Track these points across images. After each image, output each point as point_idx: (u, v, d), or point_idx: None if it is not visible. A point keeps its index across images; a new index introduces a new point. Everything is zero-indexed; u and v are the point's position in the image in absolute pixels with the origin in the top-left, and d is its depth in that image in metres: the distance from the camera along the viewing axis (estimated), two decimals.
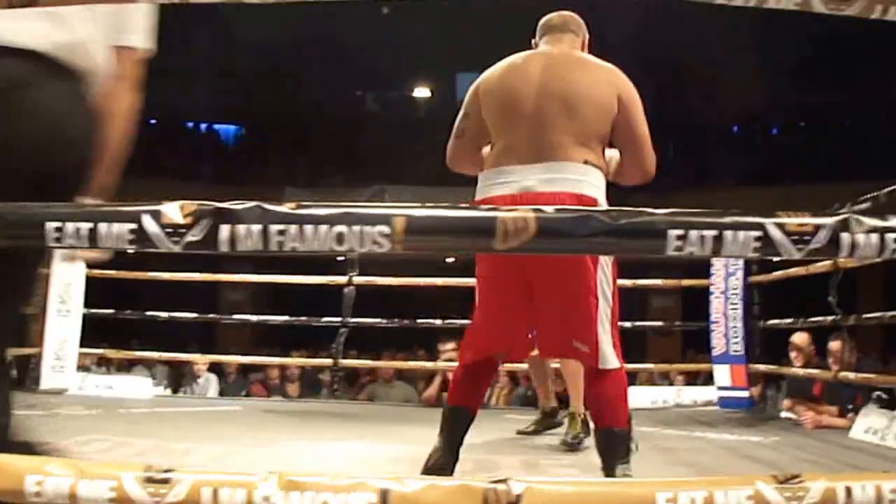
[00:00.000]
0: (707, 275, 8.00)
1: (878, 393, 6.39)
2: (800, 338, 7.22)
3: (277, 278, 9.07)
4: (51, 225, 2.10)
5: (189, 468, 2.06)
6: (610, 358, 3.56)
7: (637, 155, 3.74)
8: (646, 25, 17.92)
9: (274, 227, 2.00)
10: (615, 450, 3.47)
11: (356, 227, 1.97)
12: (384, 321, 8.72)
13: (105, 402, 7.34)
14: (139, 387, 8.32)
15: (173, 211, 2.04)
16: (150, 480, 2.00)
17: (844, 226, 2.05)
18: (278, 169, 19.40)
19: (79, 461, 2.08)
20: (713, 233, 2.00)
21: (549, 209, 2.00)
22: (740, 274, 7.70)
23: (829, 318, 6.33)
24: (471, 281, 8.08)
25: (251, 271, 10.11)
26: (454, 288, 8.44)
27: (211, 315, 9.99)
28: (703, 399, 7.83)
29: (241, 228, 2.01)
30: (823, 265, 6.37)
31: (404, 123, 21.53)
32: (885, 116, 18.73)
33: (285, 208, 2.01)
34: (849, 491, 2.05)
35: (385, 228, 1.97)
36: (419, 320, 8.59)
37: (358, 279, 8.37)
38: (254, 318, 10.47)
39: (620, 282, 3.83)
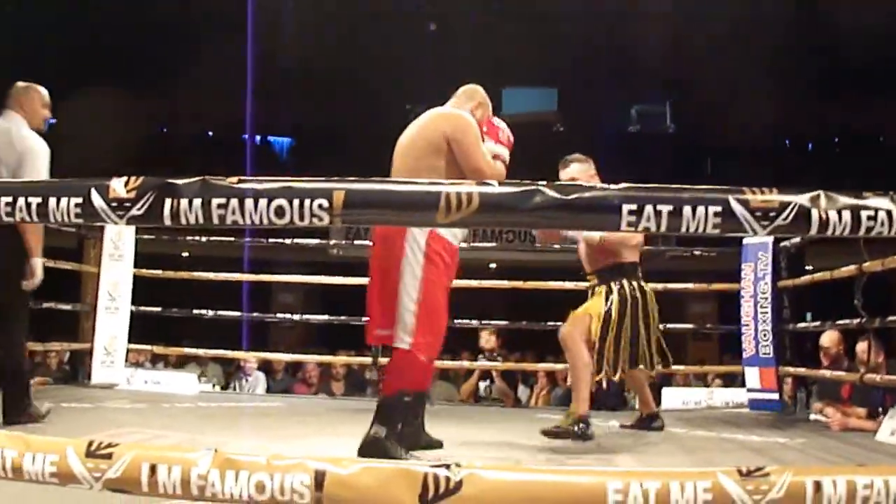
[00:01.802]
0: (738, 279, 7.90)
1: None
2: (828, 339, 7.09)
3: (321, 279, 9.08)
4: (3, 199, 2.09)
5: (137, 445, 2.03)
6: (401, 337, 4.28)
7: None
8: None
9: (215, 201, 1.96)
10: (379, 413, 4.26)
11: (296, 201, 1.93)
12: None
13: (151, 397, 7.39)
14: (186, 383, 8.35)
15: (119, 185, 2.01)
16: (91, 455, 1.97)
17: (814, 202, 1.96)
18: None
19: (26, 435, 2.05)
20: (669, 207, 1.92)
21: (494, 183, 1.93)
22: (769, 278, 7.58)
23: (856, 320, 6.21)
24: (510, 283, 8.14)
25: (299, 273, 10.12)
26: (496, 290, 8.44)
27: (256, 314, 10.02)
28: (734, 401, 7.74)
29: (184, 202, 1.97)
30: (849, 269, 6.25)
31: None
32: None
33: (226, 182, 1.97)
34: (818, 485, 1.96)
35: (324, 202, 1.92)
36: (457, 321, 8.57)
37: None
38: (296, 317, 10.50)
39: (652, 285, 5.51)
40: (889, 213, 1.96)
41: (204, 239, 9.58)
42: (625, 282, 5.50)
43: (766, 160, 19.60)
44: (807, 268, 8.56)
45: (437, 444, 4.75)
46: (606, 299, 5.46)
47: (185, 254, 16.72)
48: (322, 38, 18.97)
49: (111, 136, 19.24)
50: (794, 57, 18.08)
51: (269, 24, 19.57)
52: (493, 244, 14.25)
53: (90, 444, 1.99)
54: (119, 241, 8.28)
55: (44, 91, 5.45)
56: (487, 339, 8.76)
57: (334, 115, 20.09)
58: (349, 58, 19.39)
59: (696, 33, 17.86)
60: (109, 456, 1.96)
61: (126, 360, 8.47)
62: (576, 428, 5.07)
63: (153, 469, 1.92)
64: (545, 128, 22.79)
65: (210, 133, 22.71)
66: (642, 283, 5.59)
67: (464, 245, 8.79)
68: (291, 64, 19.78)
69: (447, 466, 1.90)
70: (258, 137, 23.03)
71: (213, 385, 9.52)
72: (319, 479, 1.88)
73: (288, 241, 8.49)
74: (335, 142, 19.97)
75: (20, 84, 5.41)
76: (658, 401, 7.97)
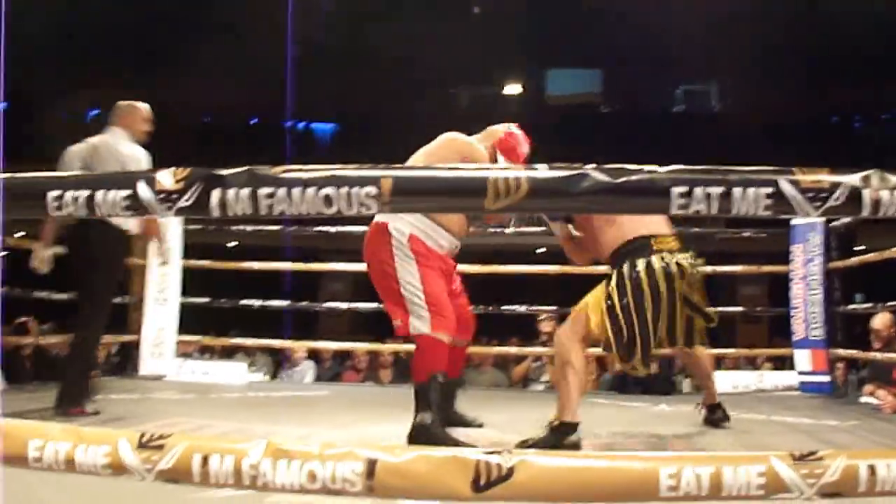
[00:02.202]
0: (788, 261, 7.84)
1: None
2: (880, 321, 7.03)
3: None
4: (51, 194, 2.10)
5: (189, 436, 2.03)
6: (417, 326, 4.59)
7: None
8: None
9: (263, 191, 1.96)
10: (418, 400, 4.49)
11: (343, 189, 1.92)
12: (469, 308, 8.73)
13: (199, 388, 7.44)
14: (234, 373, 8.39)
15: (166, 177, 2.02)
16: (143, 447, 1.98)
17: (865, 182, 1.93)
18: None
19: (79, 428, 2.06)
20: (719, 189, 1.90)
21: (542, 167, 1.92)
22: (819, 259, 7.51)
23: None
24: (559, 268, 8.12)
25: (346, 261, 10.14)
26: (545, 276, 8.42)
27: (303, 303, 10.04)
28: (784, 384, 7.68)
29: (231, 193, 1.97)
30: None
31: (496, 120, 21.56)
32: None
33: (273, 172, 1.97)
34: (872, 469, 1.93)
35: (372, 189, 1.91)
36: (504, 307, 8.58)
37: None
38: (344, 305, 10.49)
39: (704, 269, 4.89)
40: None
41: (250, 228, 9.62)
42: (626, 265, 4.64)
43: (814, 139, 19.43)
44: (857, 248, 8.48)
45: (476, 424, 5.11)
46: (606, 288, 4.71)
47: (232, 244, 16.81)
48: (364, 21, 18.95)
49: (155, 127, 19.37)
50: (842, 33, 17.84)
51: (310, 9, 19.58)
52: (540, 228, 14.14)
53: (142, 435, 2.00)
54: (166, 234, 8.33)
55: (144, 107, 5.94)
56: (547, 323, 8.76)
57: (377, 101, 20.10)
58: (392, 42, 19.39)
59: (741, 10, 17.71)
60: (161, 447, 1.96)
61: (175, 351, 8.52)
62: (553, 437, 4.40)
63: (205, 459, 1.93)
64: (590, 109, 22.71)
65: (254, 121, 22.79)
66: (661, 259, 4.65)
67: (509, 231, 8.78)
68: (333, 50, 19.81)
69: (499, 453, 1.89)
70: (301, 124, 23.12)
71: (262, 374, 9.56)
72: (371, 468, 1.87)
73: (334, 229, 8.50)
74: (379, 127, 19.99)
75: (122, 102, 5.93)
76: None
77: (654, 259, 4.60)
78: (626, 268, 4.62)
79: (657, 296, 4.57)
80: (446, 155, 4.62)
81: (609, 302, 4.58)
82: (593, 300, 4.69)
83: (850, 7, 17.28)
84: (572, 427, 4.41)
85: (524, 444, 4.30)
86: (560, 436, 4.36)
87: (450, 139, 4.85)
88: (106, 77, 18.37)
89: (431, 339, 4.59)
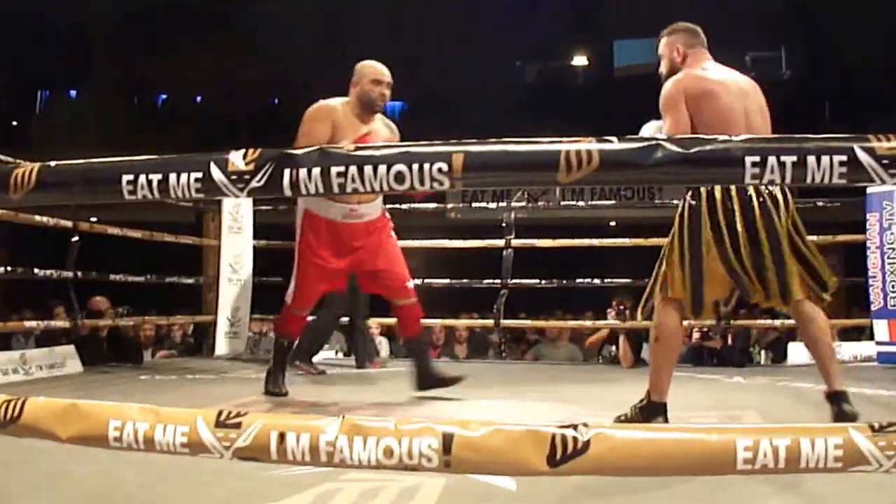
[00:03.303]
0: (863, 230, 7.74)
1: None
2: None
3: (441, 243, 9.14)
4: (125, 177, 2.12)
5: (266, 414, 2.05)
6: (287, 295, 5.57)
7: None
8: None
9: (334, 170, 1.96)
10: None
11: (415, 166, 1.92)
12: (542, 282, 8.75)
13: None
14: None
15: (238, 158, 2.03)
16: (221, 425, 2.00)
17: None
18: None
19: (156, 408, 2.09)
20: (793, 158, 1.87)
21: (614, 139, 1.90)
22: None
23: None
24: (631, 241, 8.08)
25: (419, 237, 10.19)
26: (619, 249, 8.41)
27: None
28: (863, 354, 7.59)
29: (303, 172, 1.98)
30: None
31: (563, 93, 21.43)
32: None
33: (344, 151, 1.98)
34: None
35: (443, 165, 1.92)
36: (578, 281, 8.57)
37: (516, 241, 8.38)
38: (418, 281, 10.51)
39: None
40: None
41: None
42: (689, 193, 4.09)
43: (887, 104, 19.10)
44: None
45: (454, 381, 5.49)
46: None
47: None
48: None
49: (224, 109, 19.50)
50: None
51: None
52: (612, 202, 14.08)
53: (219, 413, 2.02)
54: (237, 214, 8.41)
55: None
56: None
57: (445, 77, 20.09)
58: (457, 16, 19.35)
59: None
60: (238, 425, 1.98)
61: (249, 331, 8.61)
62: (639, 417, 4.15)
63: (282, 437, 1.94)
64: (657, 79, 22.49)
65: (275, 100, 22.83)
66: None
67: (581, 204, 8.68)
68: (398, 25, 19.81)
69: (574, 427, 1.88)
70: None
71: (337, 352, 9.62)
72: (447, 443, 1.88)
73: (405, 206, 8.53)
74: (447, 104, 19.97)
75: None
76: (784, 355, 7.86)
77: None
78: (689, 194, 4.10)
79: (735, 229, 3.96)
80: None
81: (672, 241, 4.14)
82: (667, 246, 4.18)
83: None
84: (658, 407, 4.12)
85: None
86: (645, 417, 4.09)
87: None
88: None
89: (286, 308, 5.60)
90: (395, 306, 5.65)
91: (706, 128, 3.91)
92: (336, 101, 5.27)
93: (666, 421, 4.06)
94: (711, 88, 4.06)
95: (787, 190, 4.02)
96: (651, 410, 4.11)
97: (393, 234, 5.65)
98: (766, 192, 3.96)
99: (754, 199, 3.96)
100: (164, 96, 22.49)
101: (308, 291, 5.53)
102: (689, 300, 4.05)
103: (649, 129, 4.31)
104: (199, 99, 21.83)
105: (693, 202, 4.03)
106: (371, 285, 5.74)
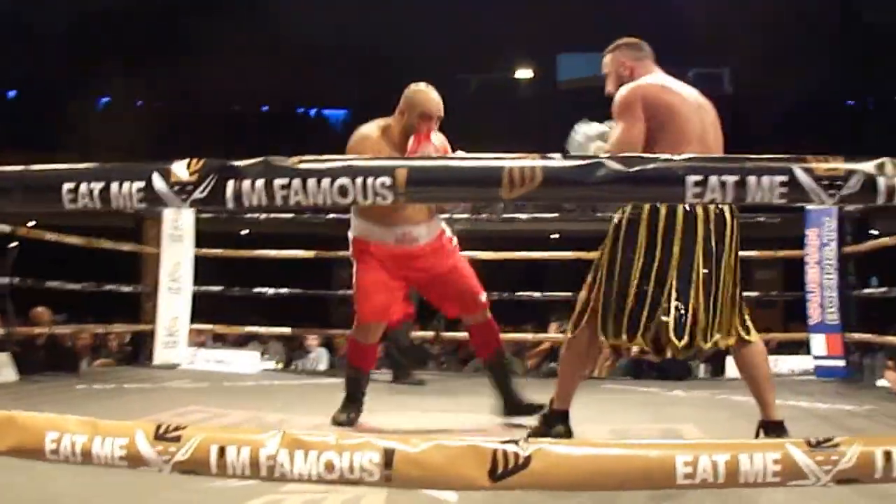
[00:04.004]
0: (803, 245, 7.85)
1: None
2: None
3: None
4: (66, 186, 2.10)
5: (205, 427, 2.04)
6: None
7: None
8: None
9: (278, 182, 1.96)
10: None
11: (359, 179, 1.92)
12: (483, 295, 8.75)
13: (213, 376, 7.45)
14: (248, 361, 8.42)
15: (180, 169, 2.02)
16: (160, 438, 1.99)
17: (880, 170, 1.93)
18: None
19: (95, 420, 2.07)
20: (734, 178, 1.90)
21: (557, 156, 1.92)
22: (834, 244, 7.55)
23: None
24: (572, 254, 8.11)
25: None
26: (560, 262, 8.43)
27: (316, 291, 10.06)
28: (800, 368, 7.69)
29: (246, 184, 1.98)
30: None
31: (506, 105, 21.50)
32: None
33: (289, 163, 1.97)
34: (888, 455, 1.94)
35: (387, 179, 1.92)
36: (518, 294, 8.57)
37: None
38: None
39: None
40: None
41: (262, 217, 9.61)
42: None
43: (826, 122, 19.39)
44: (872, 231, 8.47)
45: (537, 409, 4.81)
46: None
47: (244, 232, 16.81)
48: (377, 5, 18.94)
49: (167, 115, 19.38)
50: (853, 15, 17.77)
51: None
52: (554, 214, 14.12)
53: (158, 427, 2.00)
54: (178, 221, 8.34)
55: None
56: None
57: (389, 86, 20.12)
58: (403, 25, 19.36)
59: None
60: (178, 439, 1.97)
61: (188, 340, 8.54)
62: (542, 427, 4.11)
63: (222, 451, 1.94)
64: (601, 93, 22.61)
65: (265, 108, 22.83)
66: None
67: (523, 216, 8.68)
68: (343, 34, 19.81)
69: (516, 442, 1.90)
70: (313, 111, 23.14)
71: (275, 363, 9.59)
72: (388, 458, 1.88)
73: (346, 216, 8.51)
74: (391, 113, 20.05)
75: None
76: (723, 369, 7.93)
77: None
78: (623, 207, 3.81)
79: (661, 244, 3.69)
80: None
81: (599, 255, 3.93)
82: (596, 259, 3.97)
83: None
84: (558, 415, 4.07)
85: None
86: (547, 426, 4.06)
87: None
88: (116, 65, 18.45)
89: (350, 336, 5.11)
90: (466, 325, 5.18)
91: (663, 138, 3.75)
92: (375, 128, 4.91)
93: (567, 429, 4.02)
94: (671, 99, 3.89)
95: (734, 211, 3.77)
96: (552, 418, 4.10)
97: (456, 248, 5.08)
98: (715, 211, 3.69)
99: (699, 217, 3.66)
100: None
101: (368, 292, 4.90)
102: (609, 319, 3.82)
103: (582, 130, 4.17)
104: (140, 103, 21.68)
105: (633, 214, 3.74)
106: (442, 306, 5.36)
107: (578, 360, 4.08)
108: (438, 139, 4.69)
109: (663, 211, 3.65)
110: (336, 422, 4.82)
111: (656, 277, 3.68)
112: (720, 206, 3.64)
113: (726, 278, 3.75)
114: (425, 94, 4.84)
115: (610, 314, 3.79)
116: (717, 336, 3.77)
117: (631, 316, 3.74)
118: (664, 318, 3.68)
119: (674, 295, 3.67)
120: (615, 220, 3.83)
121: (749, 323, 3.90)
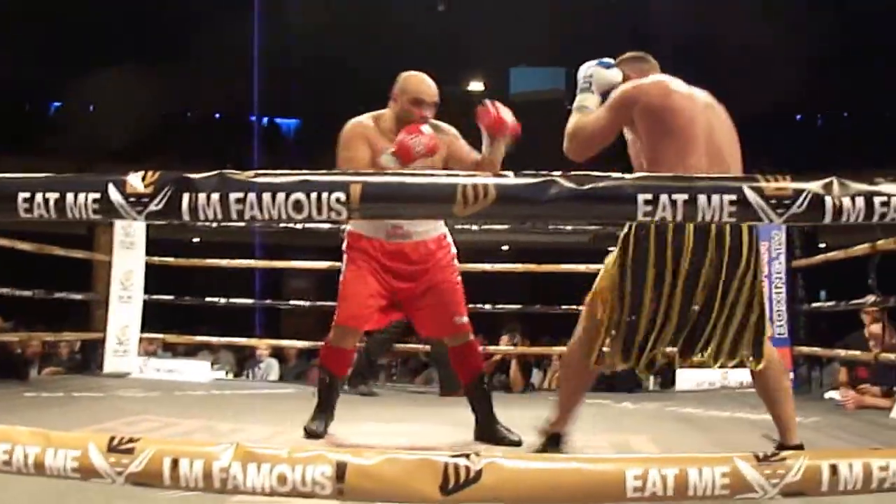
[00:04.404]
0: None
1: None
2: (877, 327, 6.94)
3: (334, 264, 9.14)
4: (21, 195, 2.10)
5: (159, 439, 2.04)
6: None
7: None
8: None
9: (233, 196, 1.97)
10: None
11: (313, 195, 1.94)
12: None
13: (164, 385, 7.42)
14: (198, 371, 8.38)
15: (136, 180, 2.02)
16: (113, 450, 1.99)
17: (828, 189, 1.97)
18: (335, 161, 19.43)
19: (48, 431, 2.07)
20: (684, 196, 1.93)
21: (510, 174, 1.94)
22: (783, 258, 7.68)
23: (870, 300, 6.21)
24: (523, 267, 8.14)
25: (312, 258, 10.15)
26: (511, 274, 8.44)
27: (267, 301, 10.05)
28: (749, 381, 7.72)
29: (202, 197, 1.98)
30: (862, 248, 6.25)
31: (456, 117, 21.60)
32: None
33: (244, 177, 1.98)
34: (834, 469, 1.98)
35: (342, 195, 1.93)
36: (470, 305, 8.57)
37: None
38: (307, 303, 10.47)
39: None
40: None
41: (214, 225, 9.58)
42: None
43: (779, 136, 19.59)
44: (820, 245, 8.56)
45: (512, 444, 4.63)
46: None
47: (196, 240, 16.73)
48: (329, 17, 18.92)
49: (122, 118, 19.26)
50: (821, 27, 17.93)
51: (275, 3, 19.55)
52: (505, 226, 14.16)
53: (112, 438, 2.00)
54: (130, 229, 8.30)
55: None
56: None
57: (342, 96, 20.10)
58: (356, 37, 19.36)
59: (707, 8, 17.81)
60: (131, 451, 1.97)
61: (138, 349, 8.50)
62: (542, 447, 3.87)
63: (175, 463, 1.94)
64: (555, 106, 22.72)
65: (217, 115, 22.77)
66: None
67: (475, 228, 8.69)
68: (298, 45, 19.80)
69: (467, 456, 1.91)
70: (265, 119, 23.10)
71: (226, 373, 9.56)
72: (341, 471, 1.89)
73: (299, 226, 8.49)
74: (342, 123, 20.04)
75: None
76: (672, 381, 7.98)
77: None
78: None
79: (666, 266, 3.43)
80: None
81: (615, 269, 3.58)
82: (603, 271, 3.69)
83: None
84: (555, 438, 3.86)
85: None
86: (546, 447, 3.82)
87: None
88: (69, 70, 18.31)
89: (326, 338, 4.87)
90: (448, 347, 4.94)
91: (670, 143, 3.56)
92: (368, 118, 4.79)
93: (558, 451, 3.78)
94: (673, 99, 3.67)
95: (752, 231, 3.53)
96: (549, 440, 3.89)
97: (453, 261, 4.88)
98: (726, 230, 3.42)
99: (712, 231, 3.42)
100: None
101: (360, 303, 4.72)
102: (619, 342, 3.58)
103: (598, 73, 3.91)
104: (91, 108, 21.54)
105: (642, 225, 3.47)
106: (416, 322, 5.01)
107: (576, 373, 3.85)
108: (435, 128, 4.63)
109: (670, 230, 3.40)
110: (307, 431, 4.73)
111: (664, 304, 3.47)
112: (732, 224, 3.38)
113: (737, 299, 3.51)
114: (417, 78, 4.74)
115: (619, 339, 3.57)
116: (720, 356, 3.61)
117: (629, 342, 3.55)
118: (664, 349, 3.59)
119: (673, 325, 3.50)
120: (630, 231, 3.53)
121: (763, 347, 3.63)
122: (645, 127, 3.67)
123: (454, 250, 4.86)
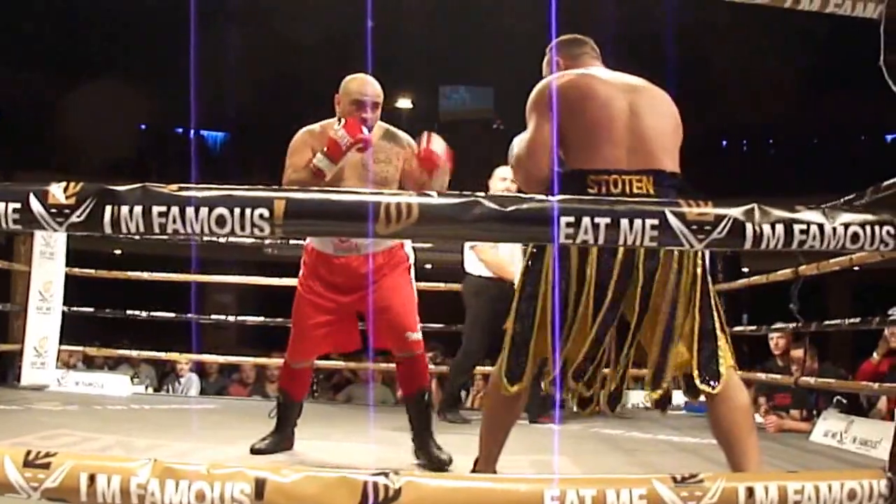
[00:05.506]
0: None
1: (837, 398, 6.52)
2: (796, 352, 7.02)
3: (257, 280, 9.10)
4: None
5: (76, 454, 2.02)
6: None
7: None
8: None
9: (156, 209, 1.95)
10: None
11: (237, 210, 1.93)
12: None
13: (83, 399, 7.29)
14: (118, 385, 8.28)
15: (58, 191, 2.00)
16: (29, 465, 1.96)
17: (749, 216, 2.00)
18: (264, 175, 19.41)
19: None
20: (606, 220, 1.95)
21: (433, 194, 1.95)
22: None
23: (791, 325, 6.31)
24: (445, 286, 8.14)
25: (235, 272, 10.09)
26: (432, 292, 8.43)
27: (189, 315, 9.95)
28: (671, 403, 7.83)
29: (125, 209, 1.96)
30: (784, 273, 6.35)
31: None
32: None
33: (167, 190, 1.97)
34: (750, 491, 2.01)
35: (265, 211, 1.93)
36: None
37: None
38: (231, 318, 10.40)
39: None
40: (821, 226, 2.00)
41: (136, 237, 9.47)
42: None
43: (704, 161, 19.85)
44: (743, 270, 8.66)
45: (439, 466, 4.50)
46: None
47: (118, 251, 16.53)
48: (258, 32, 18.87)
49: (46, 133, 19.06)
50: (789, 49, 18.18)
51: (207, 19, 19.45)
52: (428, 244, 14.12)
53: (28, 453, 1.98)
54: (50, 239, 8.18)
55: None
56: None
57: (270, 111, 20.02)
58: (286, 52, 19.31)
59: (634, 28, 17.97)
60: (48, 465, 1.95)
61: (57, 362, 8.38)
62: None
63: (92, 479, 1.92)
64: (484, 125, 22.79)
65: (143, 126, 22.60)
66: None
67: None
68: (226, 58, 19.71)
69: (386, 474, 1.91)
70: (192, 132, 22.98)
71: (146, 387, 9.46)
72: (260, 488, 1.89)
73: (222, 239, 8.43)
74: (270, 137, 19.97)
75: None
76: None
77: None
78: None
79: (575, 275, 3.04)
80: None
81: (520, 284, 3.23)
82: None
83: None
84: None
85: None
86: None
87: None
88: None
89: (285, 361, 4.88)
90: (395, 360, 4.80)
91: (572, 130, 3.24)
92: (318, 125, 4.69)
93: None
94: (586, 83, 3.36)
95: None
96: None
97: (409, 273, 4.75)
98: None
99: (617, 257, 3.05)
100: None
101: (305, 336, 4.68)
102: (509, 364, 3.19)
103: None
104: None
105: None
106: (373, 334, 4.74)
107: (495, 408, 3.34)
108: (392, 138, 4.66)
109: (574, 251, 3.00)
110: (252, 449, 4.73)
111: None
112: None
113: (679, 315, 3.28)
114: (357, 80, 4.69)
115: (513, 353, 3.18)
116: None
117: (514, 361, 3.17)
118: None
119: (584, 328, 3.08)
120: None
121: (721, 369, 3.16)
122: (560, 116, 3.29)
123: (411, 260, 4.79)
